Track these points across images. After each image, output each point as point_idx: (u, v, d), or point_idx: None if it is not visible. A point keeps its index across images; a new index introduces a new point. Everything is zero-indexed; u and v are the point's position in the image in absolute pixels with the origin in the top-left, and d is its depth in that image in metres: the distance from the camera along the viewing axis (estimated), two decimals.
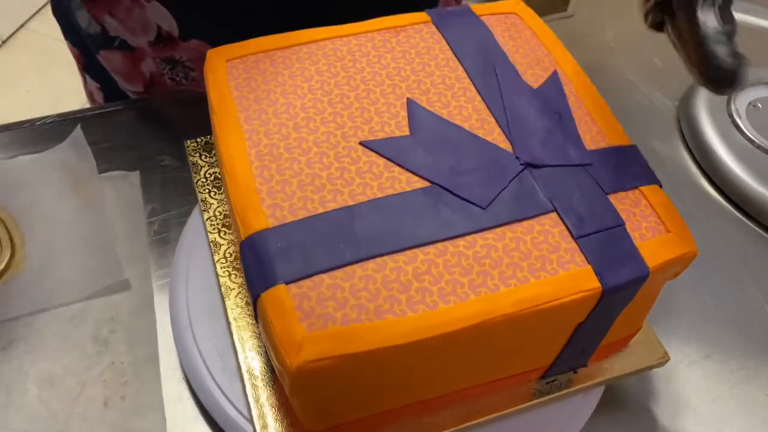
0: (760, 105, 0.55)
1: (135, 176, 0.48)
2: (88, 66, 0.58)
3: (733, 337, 0.44)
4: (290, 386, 0.29)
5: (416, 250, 0.29)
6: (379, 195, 0.31)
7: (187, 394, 0.39)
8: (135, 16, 0.49)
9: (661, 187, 0.33)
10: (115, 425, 0.37)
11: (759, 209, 0.51)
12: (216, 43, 0.50)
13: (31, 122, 0.52)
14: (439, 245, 0.29)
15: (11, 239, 0.43)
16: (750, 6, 0.67)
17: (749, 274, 0.48)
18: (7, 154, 0.49)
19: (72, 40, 0.57)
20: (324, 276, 0.28)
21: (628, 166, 0.33)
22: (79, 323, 0.41)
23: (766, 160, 0.52)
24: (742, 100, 0.56)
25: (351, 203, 0.30)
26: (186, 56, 0.51)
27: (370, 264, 0.28)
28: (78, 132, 0.49)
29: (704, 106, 0.55)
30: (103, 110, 0.54)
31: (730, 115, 0.55)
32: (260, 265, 0.28)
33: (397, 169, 0.32)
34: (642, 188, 0.33)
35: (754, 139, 0.53)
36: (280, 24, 0.41)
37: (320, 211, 0.30)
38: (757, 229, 0.51)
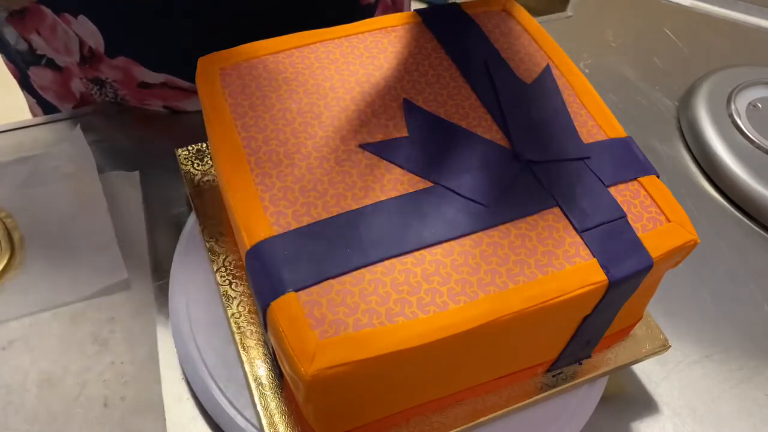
0: (760, 105, 0.55)
1: (135, 176, 0.48)
2: (23, 81, 0.57)
3: (733, 337, 0.44)
4: (304, 394, 0.29)
5: (423, 251, 0.29)
6: (383, 197, 0.31)
7: (187, 394, 0.39)
8: (59, 34, 0.48)
9: (658, 177, 0.34)
10: (115, 425, 0.37)
11: (759, 209, 0.51)
12: (143, 60, 0.49)
13: (31, 122, 0.52)
14: (446, 245, 0.29)
15: (11, 239, 0.43)
16: (750, 6, 0.67)
17: (749, 274, 0.48)
18: (7, 154, 0.48)
19: (5, 55, 0.56)
20: (333, 282, 0.28)
21: (625, 158, 0.34)
22: (79, 323, 0.40)
23: (766, 160, 0.52)
24: (742, 100, 0.55)
25: (355, 207, 0.30)
26: (112, 76, 0.51)
27: (379, 267, 0.28)
28: (78, 132, 0.48)
29: (704, 106, 0.55)
30: (103, 110, 0.53)
31: (730, 115, 0.54)
32: (268, 273, 0.28)
33: (398, 170, 0.32)
34: (640, 179, 0.33)
35: (754, 139, 0.53)
36: (207, 40, 0.40)
37: (324, 216, 0.30)
38: (757, 229, 0.51)
